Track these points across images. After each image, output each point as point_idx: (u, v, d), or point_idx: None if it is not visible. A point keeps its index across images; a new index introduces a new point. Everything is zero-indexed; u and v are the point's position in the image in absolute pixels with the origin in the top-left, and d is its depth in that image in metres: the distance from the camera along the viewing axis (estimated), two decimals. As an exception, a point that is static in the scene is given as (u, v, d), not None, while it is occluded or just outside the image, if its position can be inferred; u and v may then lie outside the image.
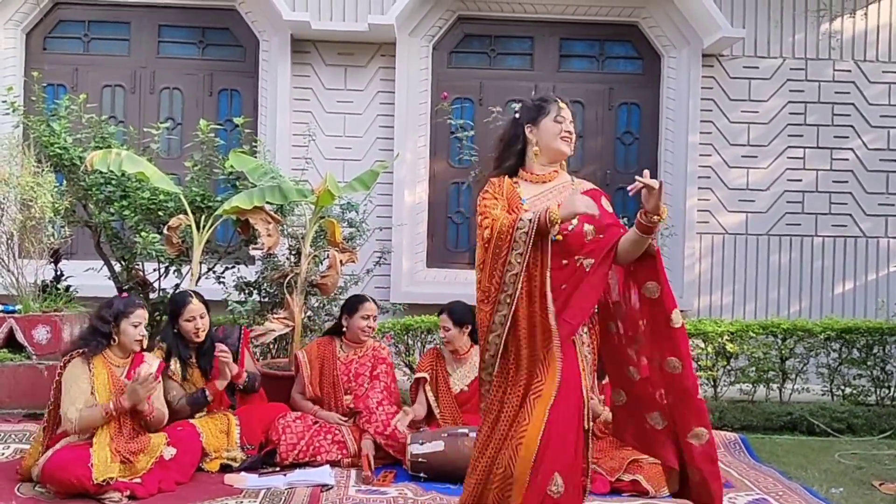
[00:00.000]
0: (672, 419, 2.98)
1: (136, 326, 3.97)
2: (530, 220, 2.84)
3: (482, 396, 3.05)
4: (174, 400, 4.32)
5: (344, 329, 4.83)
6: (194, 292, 4.53)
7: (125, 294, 4.29)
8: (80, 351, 3.95)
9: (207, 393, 4.34)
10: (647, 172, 2.83)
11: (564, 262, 2.92)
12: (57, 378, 3.95)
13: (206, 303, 4.50)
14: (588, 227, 2.94)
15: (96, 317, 4.04)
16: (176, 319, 4.42)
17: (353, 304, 4.81)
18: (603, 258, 2.90)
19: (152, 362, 4.08)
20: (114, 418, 3.82)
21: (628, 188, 2.83)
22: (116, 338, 3.97)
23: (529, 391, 2.86)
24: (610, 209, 3.07)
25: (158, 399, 4.07)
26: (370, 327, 4.78)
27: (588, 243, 2.94)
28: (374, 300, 4.86)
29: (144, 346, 4.06)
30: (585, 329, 3.00)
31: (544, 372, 2.84)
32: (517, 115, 3.16)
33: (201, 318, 4.39)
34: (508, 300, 2.89)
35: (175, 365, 4.39)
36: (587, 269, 2.91)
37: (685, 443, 2.94)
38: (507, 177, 3.12)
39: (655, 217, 2.78)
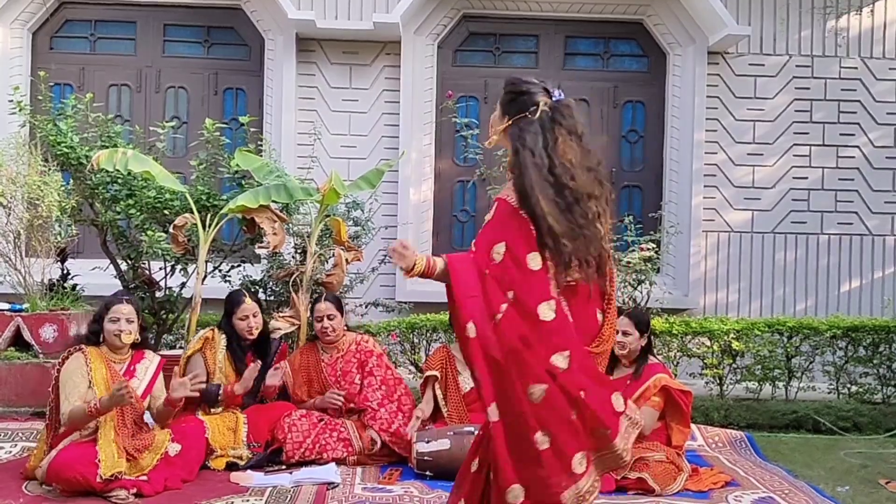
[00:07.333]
0: None
1: (114, 322, 3.97)
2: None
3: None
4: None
5: (314, 333, 4.88)
6: (249, 292, 4.67)
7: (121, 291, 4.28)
8: (78, 347, 3.99)
9: (221, 394, 4.38)
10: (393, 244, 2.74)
11: None
12: (56, 375, 3.95)
13: (259, 303, 4.66)
14: None
15: (93, 316, 4.11)
16: (230, 317, 4.54)
17: (312, 309, 4.86)
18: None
19: (152, 359, 4.12)
20: (98, 416, 3.77)
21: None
22: (104, 335, 4.01)
23: None
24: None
25: (162, 397, 4.10)
26: (327, 327, 4.71)
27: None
28: (331, 299, 4.78)
29: (126, 342, 3.99)
30: None
31: None
32: None
33: (254, 316, 4.54)
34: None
35: (221, 353, 4.47)
36: None
37: None
38: None
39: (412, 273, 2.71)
